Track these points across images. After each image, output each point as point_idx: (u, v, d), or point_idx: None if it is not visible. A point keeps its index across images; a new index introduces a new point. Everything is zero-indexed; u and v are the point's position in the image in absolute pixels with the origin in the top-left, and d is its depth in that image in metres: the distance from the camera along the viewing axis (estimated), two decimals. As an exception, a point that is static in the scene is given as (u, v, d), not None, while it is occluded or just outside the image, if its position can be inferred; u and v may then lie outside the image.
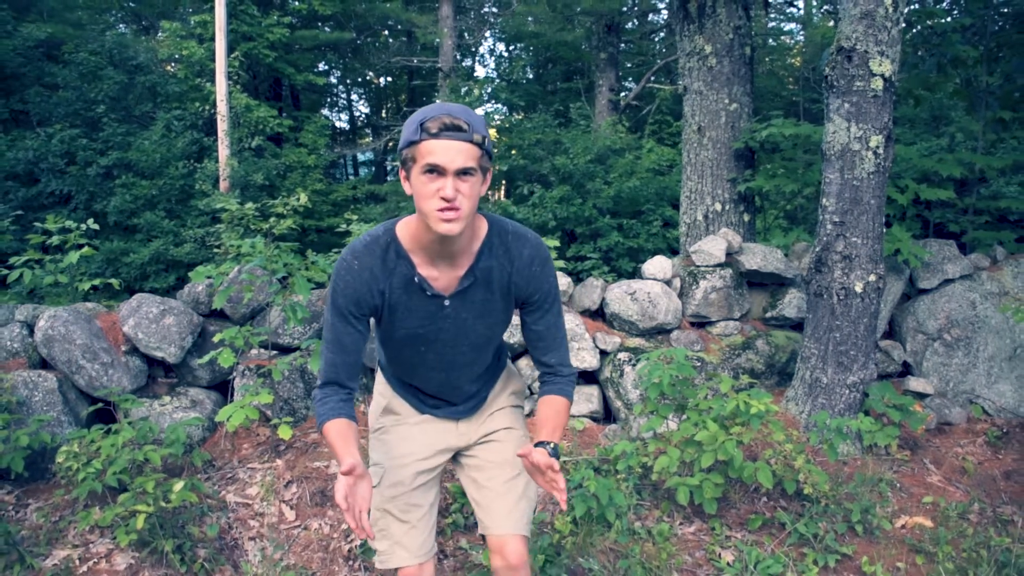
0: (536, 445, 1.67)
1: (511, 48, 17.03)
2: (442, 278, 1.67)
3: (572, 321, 4.16)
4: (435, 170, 1.48)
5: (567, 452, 3.58)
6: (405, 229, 1.65)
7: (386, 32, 15.36)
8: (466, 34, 14.46)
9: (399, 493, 1.86)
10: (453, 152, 1.47)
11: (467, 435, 1.94)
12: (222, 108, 9.47)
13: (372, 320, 1.72)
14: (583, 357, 4.09)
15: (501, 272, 1.69)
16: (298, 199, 4.21)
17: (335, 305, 1.65)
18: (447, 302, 1.68)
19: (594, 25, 11.59)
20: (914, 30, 5.40)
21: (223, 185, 9.25)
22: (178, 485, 2.83)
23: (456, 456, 1.99)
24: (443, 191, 1.47)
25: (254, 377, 3.75)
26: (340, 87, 17.76)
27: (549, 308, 1.76)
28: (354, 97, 18.99)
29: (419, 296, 1.66)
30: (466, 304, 1.70)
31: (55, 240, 3.94)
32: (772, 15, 13.43)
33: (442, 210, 1.49)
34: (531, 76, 15.81)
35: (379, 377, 1.99)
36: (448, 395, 1.88)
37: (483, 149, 1.52)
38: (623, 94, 12.62)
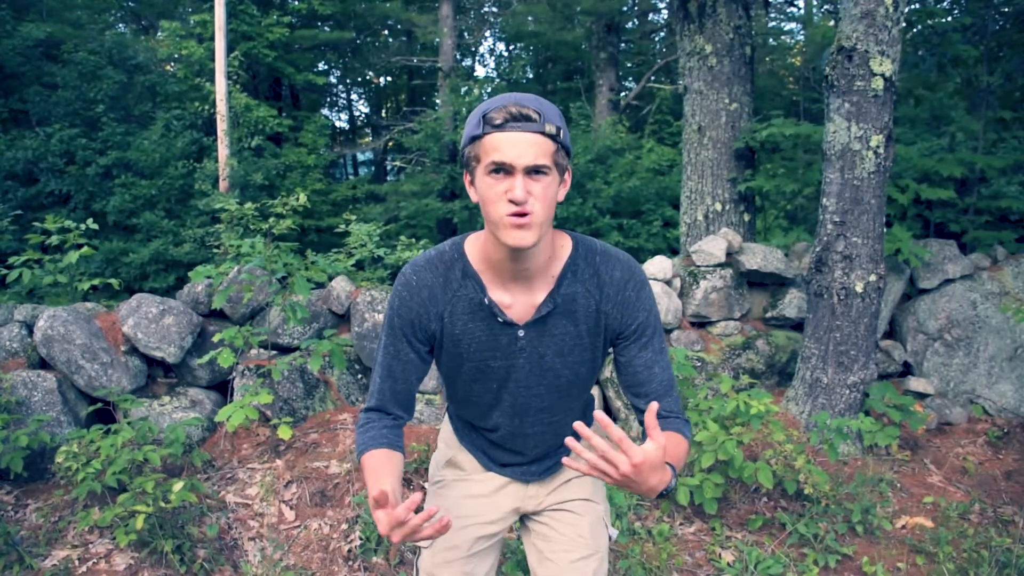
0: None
1: (511, 48, 17.03)
2: (517, 304, 1.42)
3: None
4: (502, 168, 1.26)
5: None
6: (474, 245, 1.43)
7: (386, 32, 15.36)
8: (466, 34, 14.46)
9: (453, 559, 1.62)
10: (522, 146, 1.24)
11: (537, 498, 1.68)
12: (222, 108, 9.47)
13: (432, 350, 1.51)
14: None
15: (588, 299, 1.42)
16: (297, 199, 4.20)
17: (391, 325, 1.45)
18: (521, 332, 1.43)
19: (594, 25, 11.59)
20: (914, 29, 5.40)
21: (223, 185, 9.25)
22: (178, 485, 2.82)
23: (523, 518, 1.74)
24: (511, 192, 1.25)
25: (254, 377, 3.75)
26: (340, 87, 17.76)
27: (648, 342, 1.45)
28: (354, 97, 18.99)
29: (488, 323, 1.43)
30: (544, 337, 1.44)
31: (54, 240, 3.93)
32: (772, 15, 13.43)
33: (512, 215, 1.26)
34: (531, 76, 15.82)
35: (445, 425, 1.77)
36: (520, 447, 1.62)
37: (558, 143, 1.28)
38: (623, 94, 12.62)
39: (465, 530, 1.63)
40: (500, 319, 1.42)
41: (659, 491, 1.27)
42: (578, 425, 1.17)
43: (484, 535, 1.65)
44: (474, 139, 1.29)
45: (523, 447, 1.61)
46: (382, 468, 1.36)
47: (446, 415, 1.77)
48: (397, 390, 1.48)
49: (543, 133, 1.26)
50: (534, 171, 1.26)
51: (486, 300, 1.41)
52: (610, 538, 1.70)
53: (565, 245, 1.43)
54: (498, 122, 1.25)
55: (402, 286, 1.44)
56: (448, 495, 1.68)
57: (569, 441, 1.18)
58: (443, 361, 1.51)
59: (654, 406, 1.19)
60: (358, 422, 1.50)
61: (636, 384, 1.48)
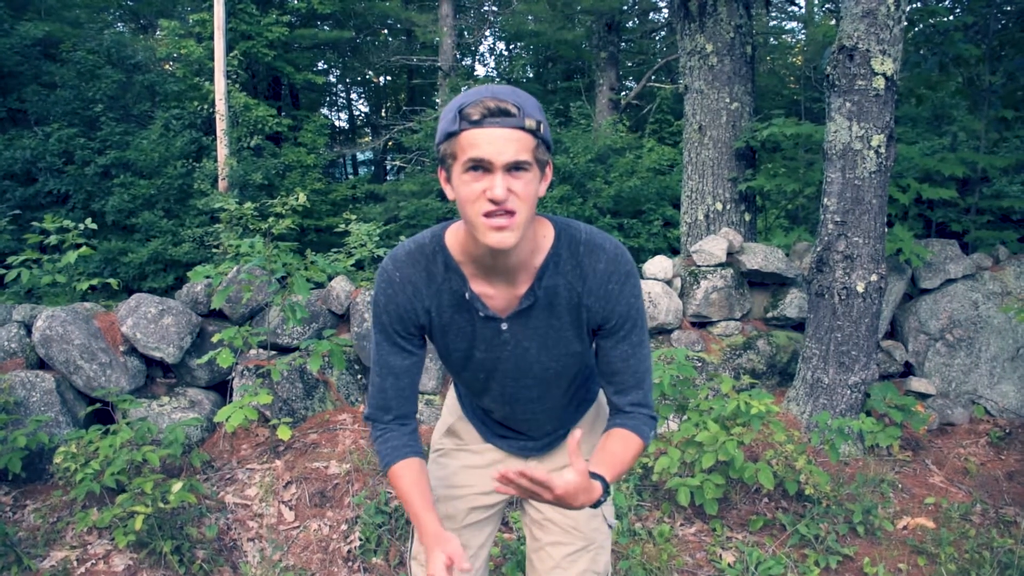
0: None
1: (511, 47, 17.02)
2: (498, 297, 1.39)
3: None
4: (480, 166, 1.21)
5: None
6: (454, 237, 1.39)
7: (385, 31, 15.33)
8: (466, 33, 14.45)
9: (449, 528, 1.62)
10: (501, 142, 1.20)
11: None
12: (221, 107, 9.44)
13: (424, 337, 1.50)
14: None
15: (570, 292, 1.38)
16: (297, 199, 4.19)
17: (379, 323, 1.43)
18: (504, 325, 1.41)
19: (594, 24, 11.57)
20: (916, 28, 5.38)
21: (222, 184, 9.23)
22: (177, 486, 2.81)
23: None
24: (491, 191, 1.21)
25: (253, 377, 3.73)
26: (339, 86, 17.72)
27: (626, 335, 1.42)
28: (353, 96, 18.96)
29: (472, 316, 1.41)
30: (527, 330, 1.42)
31: (53, 240, 3.92)
32: (773, 14, 13.42)
33: (490, 215, 1.22)
34: (531, 75, 15.79)
35: (450, 392, 1.75)
36: (515, 427, 1.62)
37: (538, 138, 1.24)
38: (624, 93, 12.60)
39: (461, 500, 1.65)
40: (482, 313, 1.39)
41: (589, 506, 1.31)
42: (571, 439, 1.23)
43: (479, 506, 1.66)
44: (450, 135, 1.24)
45: (518, 427, 1.61)
46: (424, 493, 1.40)
47: (452, 382, 1.75)
48: (401, 386, 1.46)
49: (523, 128, 1.21)
50: (514, 167, 1.22)
51: (467, 295, 1.39)
52: (610, 527, 1.69)
53: (547, 235, 1.38)
54: (475, 118, 1.20)
55: (385, 283, 1.41)
56: (447, 464, 1.69)
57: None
58: (436, 346, 1.51)
59: (577, 434, 1.22)
60: (372, 433, 1.48)
61: (610, 372, 1.46)
